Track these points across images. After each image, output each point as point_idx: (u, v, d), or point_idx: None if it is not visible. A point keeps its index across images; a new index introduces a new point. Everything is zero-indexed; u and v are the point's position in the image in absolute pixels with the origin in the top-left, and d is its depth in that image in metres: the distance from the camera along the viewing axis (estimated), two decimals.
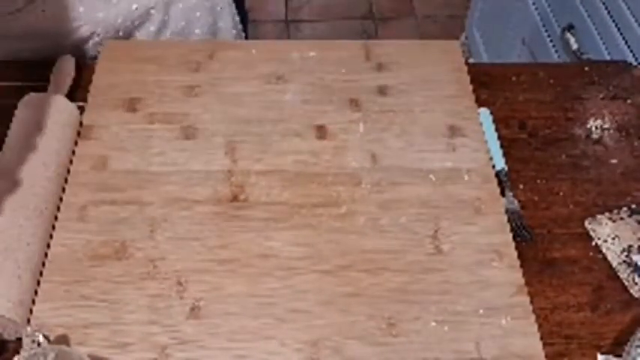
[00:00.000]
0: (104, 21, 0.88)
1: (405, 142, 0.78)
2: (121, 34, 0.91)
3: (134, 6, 0.90)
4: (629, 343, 0.61)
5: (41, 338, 0.53)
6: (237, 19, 1.05)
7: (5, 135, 0.73)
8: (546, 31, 1.45)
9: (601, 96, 0.88)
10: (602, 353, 0.64)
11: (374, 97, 0.82)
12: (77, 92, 0.83)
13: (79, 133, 0.77)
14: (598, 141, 0.82)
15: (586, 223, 0.73)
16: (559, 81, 0.89)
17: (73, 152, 0.75)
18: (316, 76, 0.84)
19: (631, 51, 1.13)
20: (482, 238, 0.69)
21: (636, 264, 0.70)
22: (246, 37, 1.13)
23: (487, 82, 0.87)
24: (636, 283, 0.69)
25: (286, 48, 0.88)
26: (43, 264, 0.66)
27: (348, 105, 0.81)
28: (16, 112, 0.76)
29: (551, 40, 1.42)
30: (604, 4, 1.21)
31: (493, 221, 0.71)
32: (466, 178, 0.75)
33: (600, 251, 0.71)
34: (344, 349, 0.61)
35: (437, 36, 0.88)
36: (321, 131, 0.78)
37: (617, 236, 0.72)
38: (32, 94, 0.77)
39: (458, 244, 0.69)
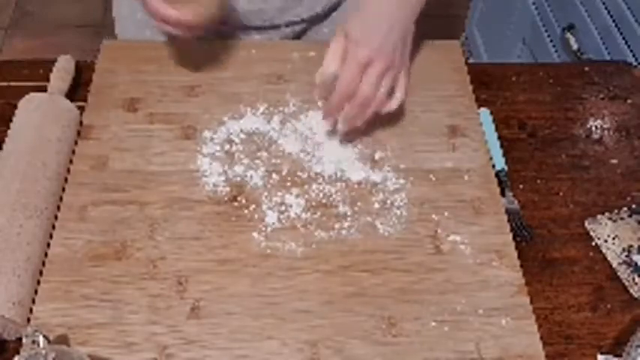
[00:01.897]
0: None
1: (405, 142, 0.78)
2: None
3: None
4: (629, 343, 0.61)
5: (41, 338, 0.53)
6: None
7: (5, 135, 0.73)
8: (546, 31, 1.45)
9: (601, 96, 0.88)
10: (602, 353, 0.64)
11: None
12: (77, 92, 0.83)
13: (79, 133, 0.77)
14: (598, 141, 0.82)
15: (586, 223, 0.73)
16: (559, 81, 0.89)
17: (73, 152, 0.75)
18: None
19: (631, 51, 1.13)
20: (483, 238, 0.69)
21: (636, 264, 0.70)
22: None
23: (487, 82, 0.87)
24: (636, 283, 0.69)
25: (286, 48, 0.88)
26: (43, 264, 0.66)
27: None
28: (17, 112, 0.76)
29: (551, 40, 1.42)
30: (604, 4, 1.21)
31: (493, 221, 0.71)
32: (466, 178, 0.75)
33: (600, 251, 0.71)
34: (345, 349, 0.61)
35: (437, 36, 0.88)
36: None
37: (617, 236, 0.72)
38: (32, 94, 0.77)
39: (458, 244, 0.69)
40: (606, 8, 1.20)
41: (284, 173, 0.74)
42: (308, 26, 0.96)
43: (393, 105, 0.74)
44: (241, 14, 0.90)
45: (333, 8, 0.96)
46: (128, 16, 0.97)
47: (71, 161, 0.74)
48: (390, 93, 0.74)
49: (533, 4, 1.51)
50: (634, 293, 0.68)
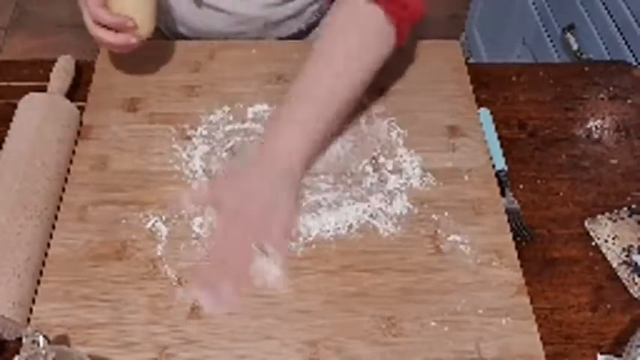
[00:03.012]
0: None
1: (405, 142, 0.78)
2: None
3: None
4: (629, 344, 0.61)
5: (41, 338, 0.53)
6: None
7: (5, 135, 0.73)
8: (546, 31, 1.44)
9: (601, 96, 0.87)
10: (602, 353, 0.64)
11: (374, 97, 0.82)
12: (77, 92, 0.83)
13: (79, 133, 0.77)
14: (598, 141, 0.82)
15: (586, 223, 0.73)
16: (559, 81, 0.89)
17: (73, 152, 0.75)
18: None
19: (631, 51, 1.12)
20: (483, 238, 0.69)
21: (636, 264, 0.70)
22: None
23: (487, 82, 0.87)
24: (636, 283, 0.69)
25: (286, 48, 0.88)
26: (43, 264, 0.66)
27: None
28: (17, 112, 0.75)
29: (551, 40, 1.42)
30: (604, 4, 1.20)
31: (493, 221, 0.71)
32: (466, 178, 0.75)
33: (600, 251, 0.71)
34: (345, 349, 0.61)
35: (437, 36, 0.88)
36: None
37: (617, 236, 0.72)
38: (32, 94, 0.77)
39: (458, 244, 0.69)
40: (606, 8, 1.20)
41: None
42: (293, 39, 0.97)
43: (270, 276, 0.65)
44: (220, 34, 0.91)
45: (313, 26, 0.97)
46: None
47: (71, 161, 0.74)
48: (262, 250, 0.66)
49: (533, 4, 1.51)
50: (634, 293, 0.68)
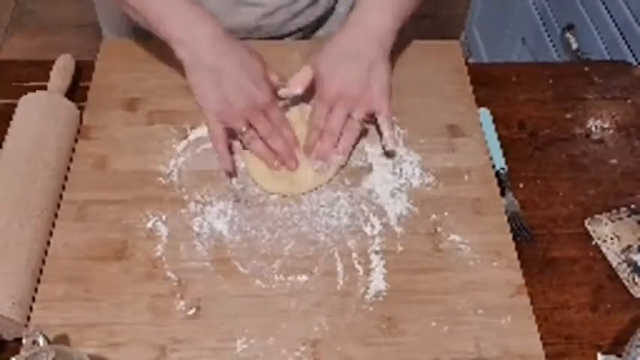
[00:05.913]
0: None
1: (405, 142, 0.78)
2: None
3: None
4: (629, 343, 0.61)
5: (41, 338, 0.53)
6: None
7: (5, 134, 0.73)
8: (546, 30, 1.45)
9: (601, 96, 0.87)
10: (603, 353, 0.64)
11: None
12: (77, 92, 0.83)
13: (78, 132, 0.77)
14: (598, 141, 0.82)
15: (586, 223, 0.73)
16: (559, 81, 0.89)
17: (73, 151, 0.75)
18: None
19: (631, 51, 1.12)
20: (483, 238, 0.69)
21: (636, 264, 0.70)
22: None
23: (487, 82, 0.87)
24: (636, 283, 0.69)
25: (286, 48, 0.88)
26: (43, 263, 0.66)
27: None
28: (17, 110, 0.75)
29: (551, 40, 1.42)
30: (604, 3, 1.21)
31: (493, 221, 0.71)
32: (466, 178, 0.75)
33: (600, 251, 0.71)
34: (344, 349, 0.61)
35: (437, 36, 0.88)
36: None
37: (617, 236, 0.72)
38: (32, 94, 0.77)
39: (458, 244, 0.69)
40: (606, 8, 1.20)
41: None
42: (304, 35, 0.97)
43: (388, 138, 0.74)
44: (242, 30, 0.90)
45: (329, 13, 0.97)
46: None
47: (71, 160, 0.74)
48: (367, 122, 0.76)
49: (533, 4, 1.51)
50: (634, 293, 0.68)
